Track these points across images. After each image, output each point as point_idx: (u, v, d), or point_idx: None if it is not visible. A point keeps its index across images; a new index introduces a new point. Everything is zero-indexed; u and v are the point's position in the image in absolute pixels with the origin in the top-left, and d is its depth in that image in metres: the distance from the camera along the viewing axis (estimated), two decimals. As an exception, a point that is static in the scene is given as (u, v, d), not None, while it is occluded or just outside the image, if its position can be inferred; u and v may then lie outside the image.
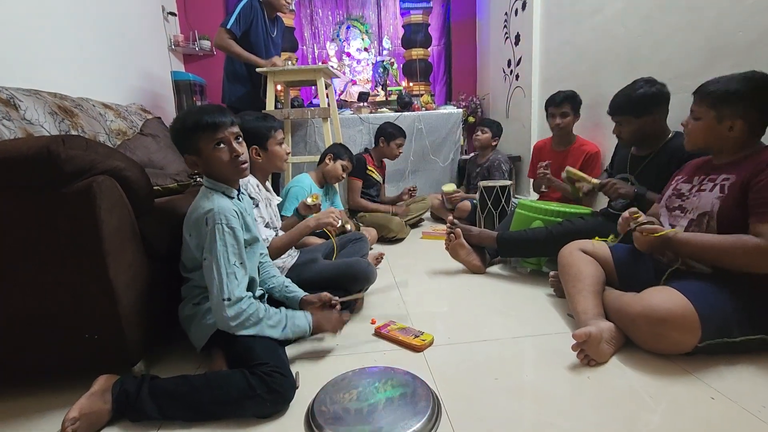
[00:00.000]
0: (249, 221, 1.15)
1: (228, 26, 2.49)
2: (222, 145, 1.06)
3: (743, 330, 1.04)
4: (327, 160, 2.13)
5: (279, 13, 2.75)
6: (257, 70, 2.54)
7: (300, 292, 1.29)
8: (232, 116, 1.09)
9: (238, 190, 1.16)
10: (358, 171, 2.66)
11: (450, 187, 2.87)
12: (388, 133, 2.73)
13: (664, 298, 1.06)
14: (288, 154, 1.57)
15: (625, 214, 1.24)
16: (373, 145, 2.86)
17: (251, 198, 1.37)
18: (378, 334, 1.32)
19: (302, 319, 1.13)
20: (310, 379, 1.07)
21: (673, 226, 1.22)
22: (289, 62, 2.81)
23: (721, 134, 1.14)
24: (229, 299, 0.99)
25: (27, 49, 1.85)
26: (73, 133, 1.65)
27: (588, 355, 1.09)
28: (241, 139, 1.11)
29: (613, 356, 1.13)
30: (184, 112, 1.09)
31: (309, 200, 1.64)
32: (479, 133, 2.86)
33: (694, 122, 1.20)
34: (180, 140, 1.08)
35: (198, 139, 1.05)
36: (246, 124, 1.49)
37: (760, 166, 1.07)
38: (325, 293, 1.28)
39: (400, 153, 2.80)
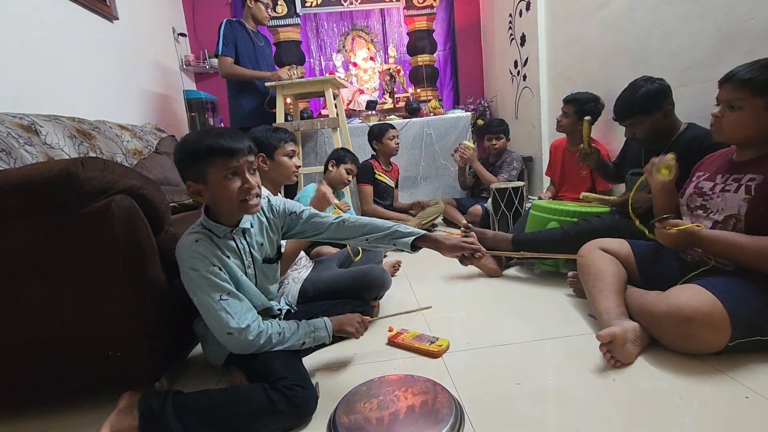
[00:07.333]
0: (230, 264, 1.02)
1: (222, 53, 2.61)
2: (235, 176, 0.96)
3: (775, 326, 1.00)
4: (330, 167, 2.14)
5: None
6: (266, 84, 2.61)
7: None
8: (250, 143, 0.99)
9: (236, 225, 1.06)
10: (365, 176, 2.67)
11: (470, 143, 2.89)
12: (376, 133, 2.73)
13: (690, 297, 1.02)
14: (298, 167, 1.56)
15: (655, 159, 1.22)
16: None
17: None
18: (392, 342, 1.30)
19: (322, 330, 1.13)
20: (329, 390, 1.06)
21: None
22: (295, 72, 2.86)
23: (766, 124, 1.06)
24: (230, 333, 0.98)
25: (45, 76, 1.92)
26: (92, 154, 1.69)
27: (614, 357, 1.06)
28: (255, 170, 1.01)
29: (639, 356, 1.09)
30: (196, 134, 0.98)
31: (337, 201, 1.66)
32: (495, 141, 2.92)
33: (732, 112, 1.09)
34: (187, 164, 0.96)
35: (209, 166, 0.94)
36: (256, 133, 1.52)
37: None
38: None
39: (397, 144, 2.77)
